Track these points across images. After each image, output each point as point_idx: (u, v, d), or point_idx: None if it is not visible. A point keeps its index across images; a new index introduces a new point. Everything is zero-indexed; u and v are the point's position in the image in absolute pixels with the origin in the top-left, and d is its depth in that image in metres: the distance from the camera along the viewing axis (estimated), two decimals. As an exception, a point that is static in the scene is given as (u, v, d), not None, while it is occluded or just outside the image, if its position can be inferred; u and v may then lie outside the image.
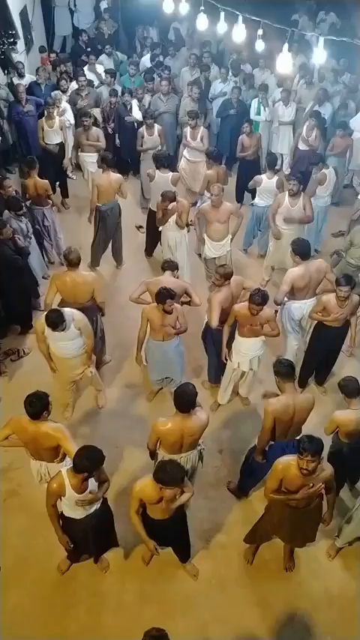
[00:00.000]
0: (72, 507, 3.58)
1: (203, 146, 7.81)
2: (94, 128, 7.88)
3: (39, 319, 4.71)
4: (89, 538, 3.83)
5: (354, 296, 4.92)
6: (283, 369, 4.01)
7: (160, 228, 6.57)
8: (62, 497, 3.52)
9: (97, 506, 3.69)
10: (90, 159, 7.92)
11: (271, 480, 3.62)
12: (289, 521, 3.81)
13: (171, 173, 6.83)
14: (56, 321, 4.43)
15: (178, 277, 5.31)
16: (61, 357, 4.81)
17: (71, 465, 3.45)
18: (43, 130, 7.90)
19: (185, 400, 3.76)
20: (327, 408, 5.38)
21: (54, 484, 3.45)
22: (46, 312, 4.54)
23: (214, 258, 6.58)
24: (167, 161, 6.84)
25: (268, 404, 4.00)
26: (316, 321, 5.29)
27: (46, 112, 7.87)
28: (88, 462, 3.35)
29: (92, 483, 3.52)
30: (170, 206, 6.14)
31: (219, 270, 5.00)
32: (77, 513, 3.63)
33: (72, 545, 3.82)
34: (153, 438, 3.95)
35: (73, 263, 5.08)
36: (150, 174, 6.86)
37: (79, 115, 7.90)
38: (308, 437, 3.39)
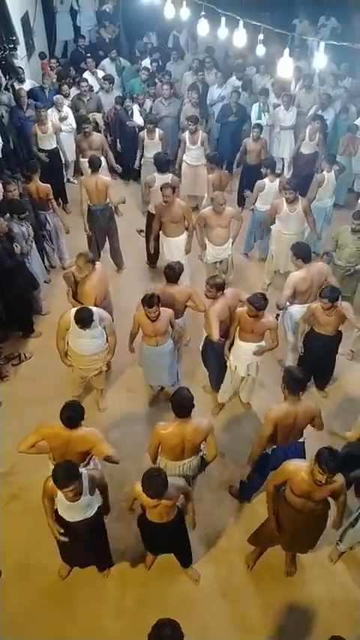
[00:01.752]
0: (65, 508, 3.54)
1: (205, 150, 7.83)
2: (95, 134, 7.88)
3: (65, 315, 4.74)
4: (80, 547, 3.81)
5: (343, 304, 4.90)
6: (292, 384, 3.92)
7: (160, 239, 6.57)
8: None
9: (90, 512, 3.62)
10: None
11: (277, 475, 3.64)
12: (291, 526, 3.78)
13: (170, 175, 6.83)
14: (88, 319, 4.53)
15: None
16: (79, 354, 4.84)
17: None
18: (36, 136, 7.90)
19: (183, 405, 3.75)
20: (330, 411, 5.41)
21: (49, 483, 3.43)
22: (76, 310, 4.59)
23: (216, 262, 6.59)
24: (167, 164, 6.83)
25: (270, 410, 3.97)
26: (307, 329, 5.25)
27: (37, 118, 7.85)
28: (59, 478, 3.28)
29: (86, 498, 3.47)
30: (170, 198, 6.10)
31: (209, 282, 4.92)
32: (71, 515, 3.58)
33: (61, 539, 3.75)
34: (154, 442, 3.92)
35: (94, 261, 5.20)
36: (148, 181, 6.82)
37: (80, 121, 7.91)
38: (331, 453, 3.29)
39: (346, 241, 6.06)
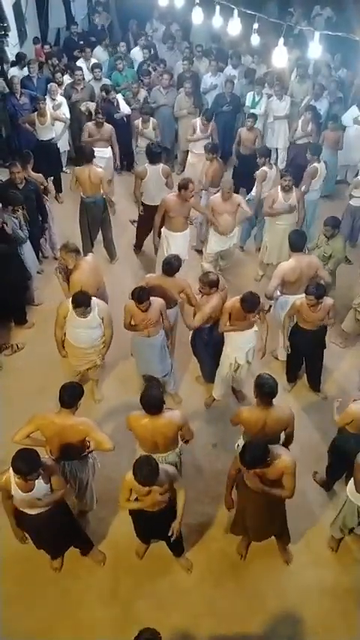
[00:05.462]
0: (25, 503, 3.51)
1: (212, 141, 7.75)
2: (107, 124, 7.74)
3: (63, 303, 4.71)
4: (51, 536, 3.81)
5: (327, 300, 4.91)
6: (261, 390, 3.88)
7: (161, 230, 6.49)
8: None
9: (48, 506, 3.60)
10: (100, 154, 7.54)
11: (235, 461, 3.77)
12: (253, 508, 3.85)
13: (161, 165, 6.76)
14: (84, 301, 4.48)
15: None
16: (75, 346, 4.82)
17: None
18: (35, 127, 7.80)
19: (152, 404, 3.79)
20: (323, 404, 5.46)
21: (2, 478, 3.41)
22: (74, 293, 4.57)
23: (218, 252, 6.58)
24: (159, 155, 6.73)
25: (240, 411, 4.03)
26: (292, 324, 5.28)
27: (37, 108, 7.75)
28: (22, 465, 3.25)
29: (41, 486, 3.43)
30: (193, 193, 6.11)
31: (202, 279, 4.87)
32: (32, 508, 3.55)
33: (27, 540, 3.79)
34: (128, 426, 3.95)
35: (78, 251, 5.15)
36: (139, 173, 6.74)
37: (94, 112, 7.75)
38: (247, 447, 3.48)
39: (321, 243, 6.04)
